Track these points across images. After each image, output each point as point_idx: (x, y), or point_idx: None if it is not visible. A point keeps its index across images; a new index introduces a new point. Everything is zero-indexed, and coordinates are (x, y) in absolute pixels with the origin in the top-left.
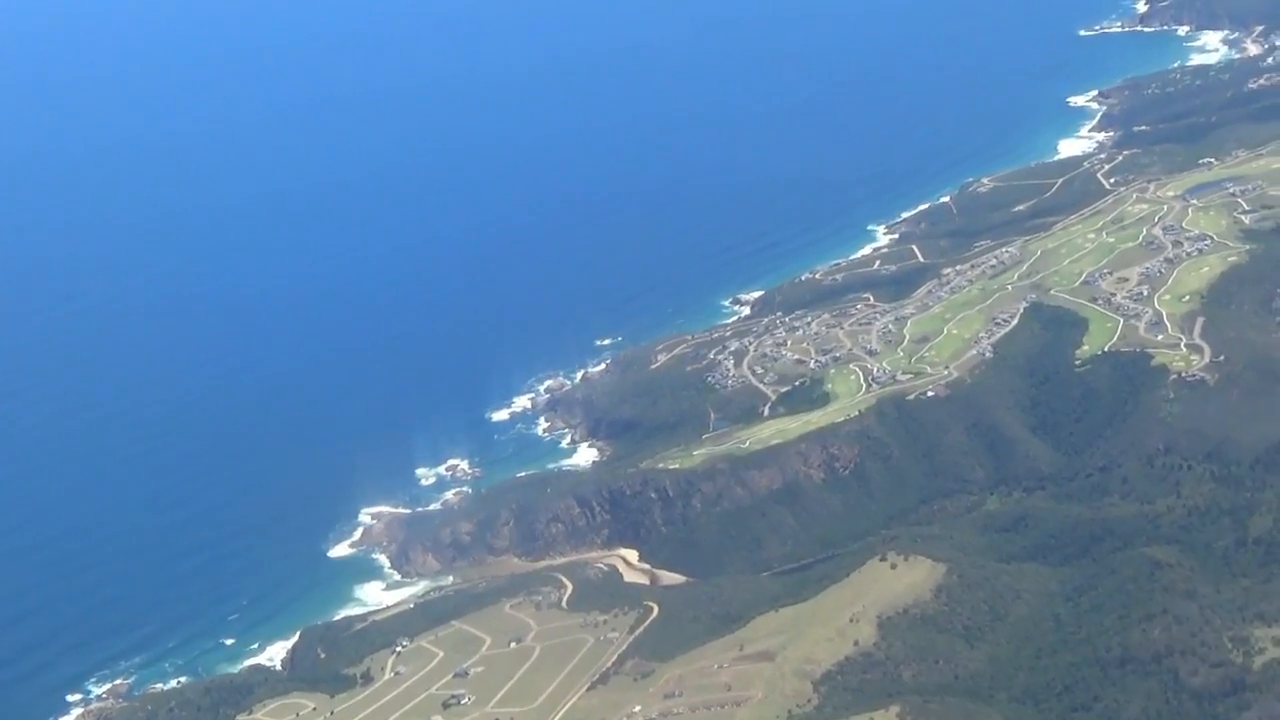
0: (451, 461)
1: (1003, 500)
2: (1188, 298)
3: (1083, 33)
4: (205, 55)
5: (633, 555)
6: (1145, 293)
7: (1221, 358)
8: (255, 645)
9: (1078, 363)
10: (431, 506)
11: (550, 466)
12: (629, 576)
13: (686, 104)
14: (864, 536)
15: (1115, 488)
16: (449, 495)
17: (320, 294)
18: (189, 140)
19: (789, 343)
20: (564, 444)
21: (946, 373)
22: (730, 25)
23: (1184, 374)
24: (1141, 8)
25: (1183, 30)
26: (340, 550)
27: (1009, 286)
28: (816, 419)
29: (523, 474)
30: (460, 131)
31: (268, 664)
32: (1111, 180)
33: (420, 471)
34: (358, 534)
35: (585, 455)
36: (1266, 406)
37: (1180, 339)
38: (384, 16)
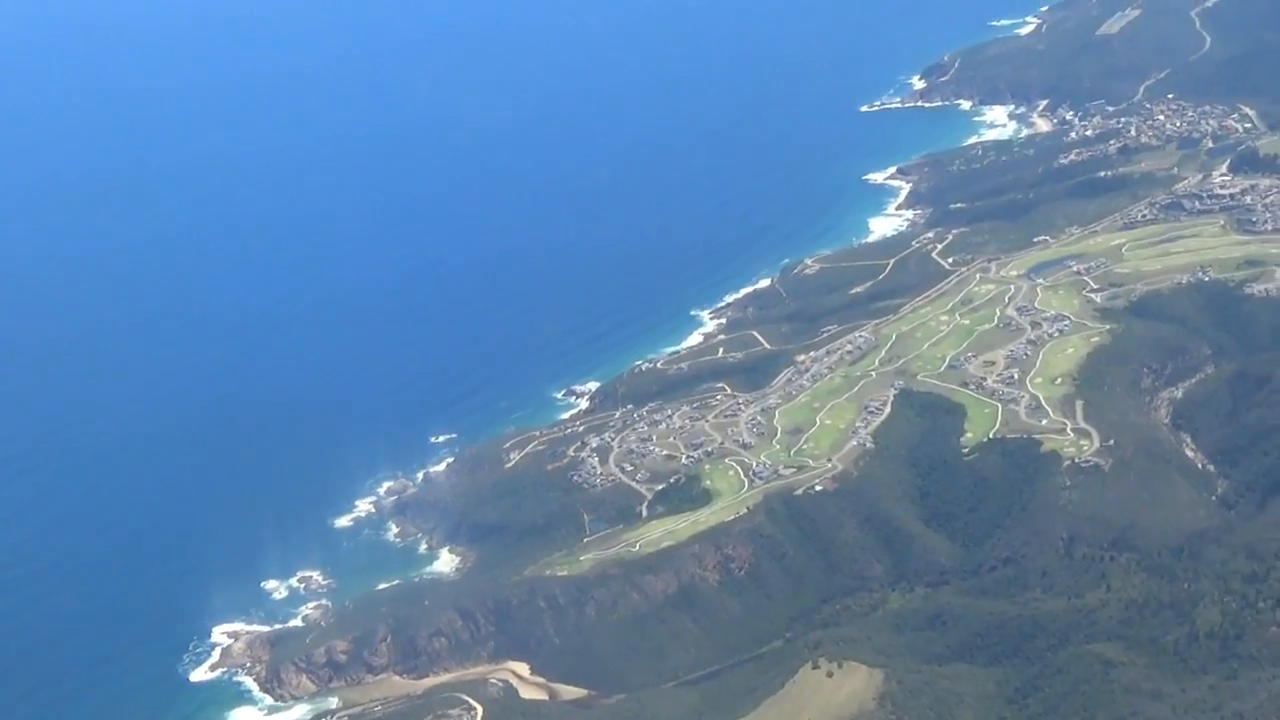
0: (302, 573)
1: (906, 597)
2: (1060, 380)
3: (864, 109)
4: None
5: (523, 669)
6: (1016, 376)
7: (1111, 442)
8: None
9: (965, 450)
10: (291, 623)
11: (412, 575)
12: (525, 692)
13: (473, 186)
14: (769, 640)
15: (1035, 581)
16: (307, 609)
17: (140, 394)
18: None
19: (654, 437)
20: (421, 550)
21: (830, 465)
22: (528, 99)
23: (1077, 460)
24: (918, 84)
25: (966, 105)
26: (201, 674)
27: (873, 373)
28: (704, 518)
29: (384, 585)
30: (238, 211)
31: None
32: (950, 260)
33: (270, 584)
34: (216, 655)
35: (447, 562)
36: (1164, 491)
37: (1065, 423)
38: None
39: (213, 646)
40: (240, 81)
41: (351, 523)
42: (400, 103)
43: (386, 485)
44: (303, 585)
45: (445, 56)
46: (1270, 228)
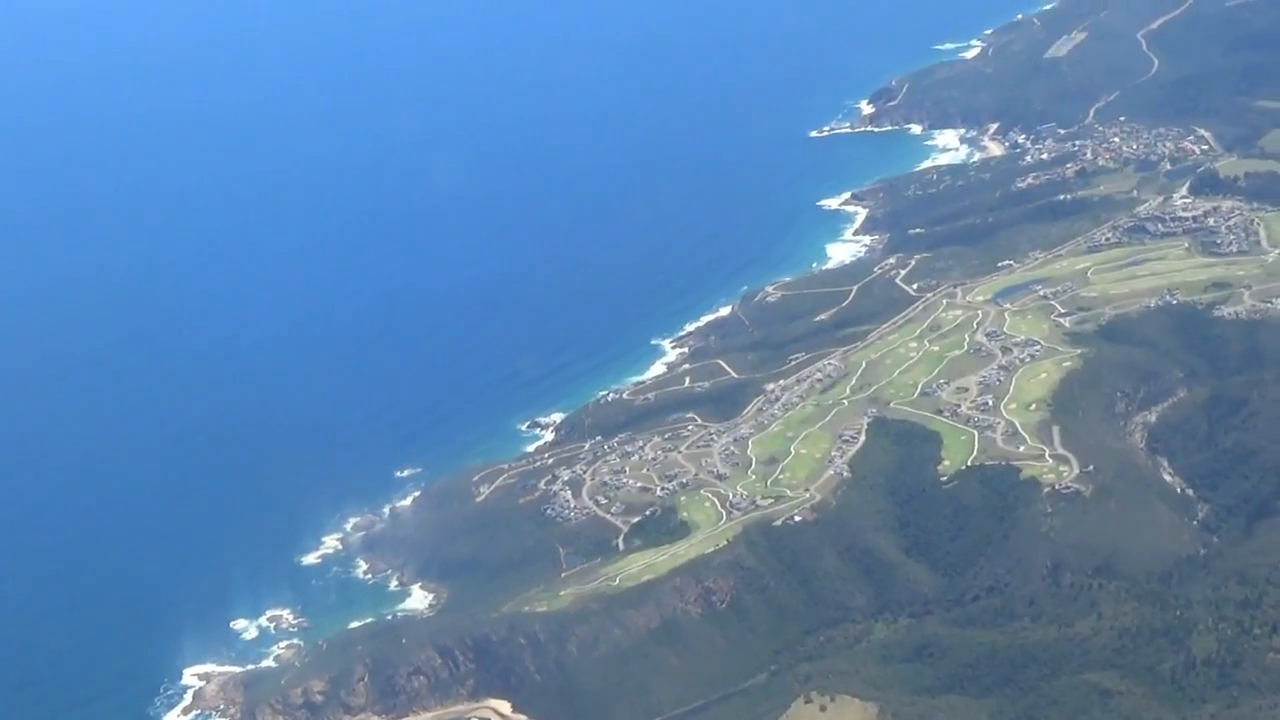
0: (272, 612)
1: (890, 627)
2: (1034, 406)
3: (813, 134)
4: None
5: (504, 706)
6: (990, 402)
7: (1090, 468)
8: None
9: (944, 479)
10: (264, 663)
11: (385, 613)
12: None
13: (423, 218)
14: (754, 673)
15: (1022, 610)
16: (279, 649)
17: (98, 427)
18: None
19: (627, 469)
20: (392, 587)
21: (808, 495)
22: (479, 130)
23: (1057, 486)
24: (867, 109)
25: (916, 129)
26: (174, 718)
27: (845, 401)
28: (684, 551)
29: (357, 623)
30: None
31: None
32: (914, 286)
33: (240, 624)
34: (189, 697)
35: (420, 599)
36: (1146, 517)
37: (1043, 449)
38: None
39: (184, 689)
40: (208, 109)
41: (319, 560)
42: (348, 134)
43: (353, 521)
44: (273, 625)
45: (396, 90)
46: (1235, 249)
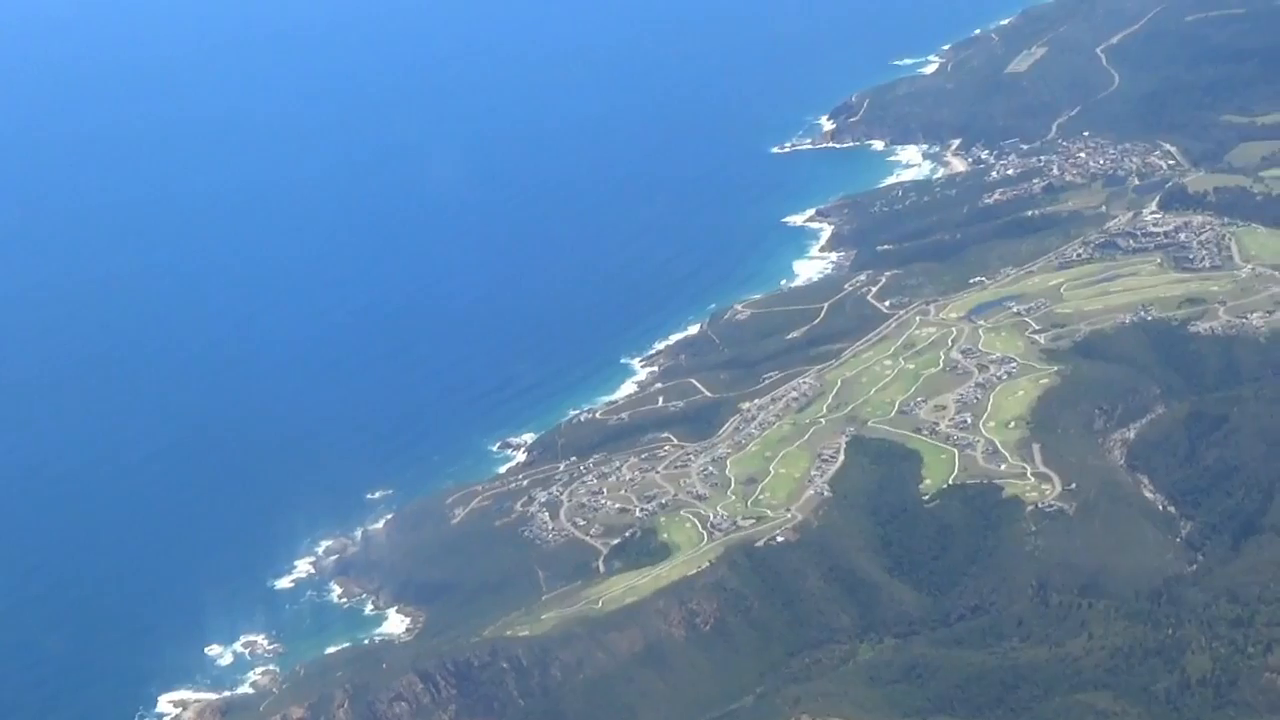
0: (246, 637)
1: (876, 648)
2: (1013, 424)
3: (774, 150)
4: None
5: None
6: (969, 420)
7: (1073, 486)
8: None
9: (925, 498)
10: (240, 689)
11: (362, 638)
12: None
13: (382, 237)
14: (740, 696)
15: (1010, 630)
16: (255, 675)
17: (69, 447)
18: None
19: (604, 490)
20: (367, 611)
21: (789, 515)
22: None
23: (1040, 505)
24: (827, 124)
25: (878, 145)
26: None
27: (822, 420)
28: (667, 573)
29: (334, 648)
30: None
31: None
32: (886, 303)
33: (214, 650)
34: None
35: (397, 623)
36: (1131, 535)
37: (1025, 467)
38: None
39: (160, 717)
40: (187, 120)
41: (293, 584)
42: (310, 156)
43: (325, 544)
44: (248, 650)
45: (353, 111)
46: (1208, 265)
